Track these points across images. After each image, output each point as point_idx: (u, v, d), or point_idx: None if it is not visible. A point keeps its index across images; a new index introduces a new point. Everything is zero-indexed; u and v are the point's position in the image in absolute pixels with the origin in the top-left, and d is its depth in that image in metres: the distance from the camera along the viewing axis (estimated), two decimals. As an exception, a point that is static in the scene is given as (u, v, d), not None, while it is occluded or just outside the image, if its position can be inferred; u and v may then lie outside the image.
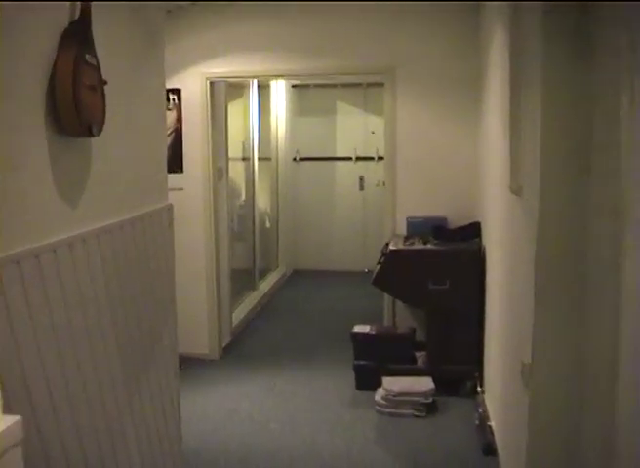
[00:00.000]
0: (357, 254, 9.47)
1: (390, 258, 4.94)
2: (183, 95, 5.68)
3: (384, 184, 5.73)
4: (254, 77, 6.35)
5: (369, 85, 9.23)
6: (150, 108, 3.36)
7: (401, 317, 5.57)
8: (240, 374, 5.57)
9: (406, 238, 5.30)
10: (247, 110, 7.75)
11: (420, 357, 5.22)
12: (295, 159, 9.54)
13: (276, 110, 8.84)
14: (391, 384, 4.83)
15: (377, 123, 9.15)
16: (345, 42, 5.56)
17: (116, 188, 2.91)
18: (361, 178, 9.46)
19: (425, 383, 4.83)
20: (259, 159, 8.07)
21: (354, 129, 9.47)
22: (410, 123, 5.55)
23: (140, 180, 3.18)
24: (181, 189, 5.76)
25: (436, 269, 4.90)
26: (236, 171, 7.78)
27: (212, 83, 5.70)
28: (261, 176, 8.42)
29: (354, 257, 9.46)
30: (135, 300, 3.01)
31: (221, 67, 5.65)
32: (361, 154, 9.43)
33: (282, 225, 9.11)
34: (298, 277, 9.34)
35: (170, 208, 3.54)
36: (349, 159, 9.47)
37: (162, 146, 3.54)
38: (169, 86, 5.59)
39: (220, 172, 5.99)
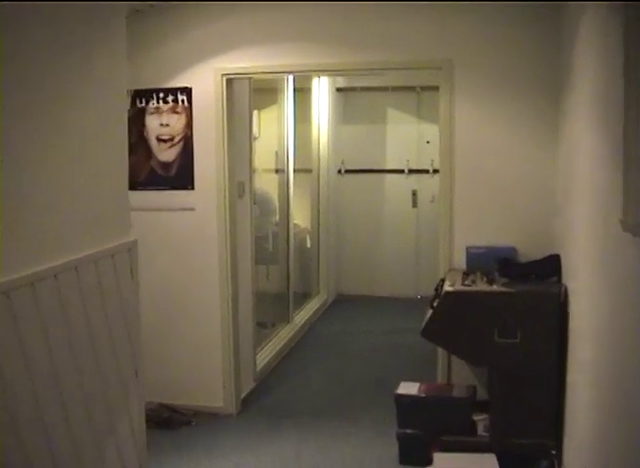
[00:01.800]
0: (409, 279, 8.44)
1: (446, 303, 3.86)
2: (195, 95, 4.69)
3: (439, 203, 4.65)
4: (281, 73, 5.15)
5: (423, 89, 8.21)
6: (100, 117, 2.39)
7: (458, 371, 4.46)
8: (259, 437, 4.54)
9: (465, 274, 4.22)
10: (281, 116, 6.75)
11: (482, 421, 4.14)
12: (339, 171, 8.55)
13: (318, 117, 7.85)
14: (444, 463, 3.77)
15: (432, 132, 8.14)
16: (393, 31, 4.49)
17: (26, 227, 1.93)
18: (414, 193, 8.42)
19: (488, 463, 3.75)
20: (296, 171, 7.08)
21: (407, 138, 8.44)
22: (471, 130, 4.45)
23: (77, 212, 2.20)
24: (192, 209, 4.79)
25: (505, 317, 3.80)
26: (269, 184, 6.83)
27: (229, 80, 4.70)
28: (300, 190, 7.47)
29: (405, 282, 8.43)
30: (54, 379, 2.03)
31: (241, 62, 4.64)
32: (414, 166, 8.39)
33: (324, 245, 8.11)
34: (341, 304, 8.30)
35: (132, 247, 2.54)
36: (401, 172, 8.43)
37: (120, 166, 2.56)
38: (176, 84, 4.70)
39: (240, 187, 4.99)
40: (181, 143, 4.71)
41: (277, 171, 6.87)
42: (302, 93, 7.55)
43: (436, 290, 4.20)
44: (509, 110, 4.42)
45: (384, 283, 8.52)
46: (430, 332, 3.92)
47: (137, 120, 4.74)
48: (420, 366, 5.27)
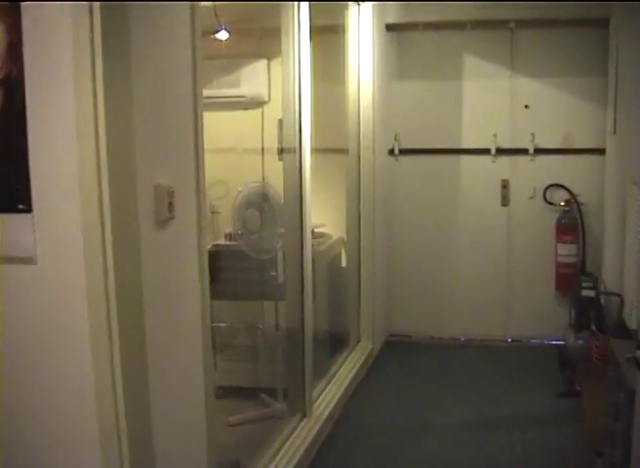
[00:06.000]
0: (495, 314, 5.84)
1: None
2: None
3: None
4: None
5: (520, 24, 5.48)
6: None
7: None
8: None
9: None
10: (289, 68, 4.02)
11: None
12: (392, 152, 5.87)
13: (357, 70, 5.19)
14: None
15: (533, 91, 5.61)
16: None
17: None
18: (504, 185, 5.75)
19: None
20: (321, 151, 4.51)
21: (494, 101, 5.74)
22: None
23: None
24: (30, 261, 2.00)
25: None
26: (272, 173, 4.25)
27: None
28: (330, 182, 5.10)
29: (490, 319, 5.84)
30: None
31: None
32: (505, 144, 5.68)
33: (367, 264, 5.43)
34: (392, 356, 5.59)
35: None
36: (485, 152, 5.72)
37: None
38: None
39: (161, 197, 2.21)
40: (-3, 97, 1.95)
41: (281, 151, 4.15)
42: (332, 34, 5.08)
43: None
44: None
45: (458, 319, 5.93)
46: None
47: None
48: None
